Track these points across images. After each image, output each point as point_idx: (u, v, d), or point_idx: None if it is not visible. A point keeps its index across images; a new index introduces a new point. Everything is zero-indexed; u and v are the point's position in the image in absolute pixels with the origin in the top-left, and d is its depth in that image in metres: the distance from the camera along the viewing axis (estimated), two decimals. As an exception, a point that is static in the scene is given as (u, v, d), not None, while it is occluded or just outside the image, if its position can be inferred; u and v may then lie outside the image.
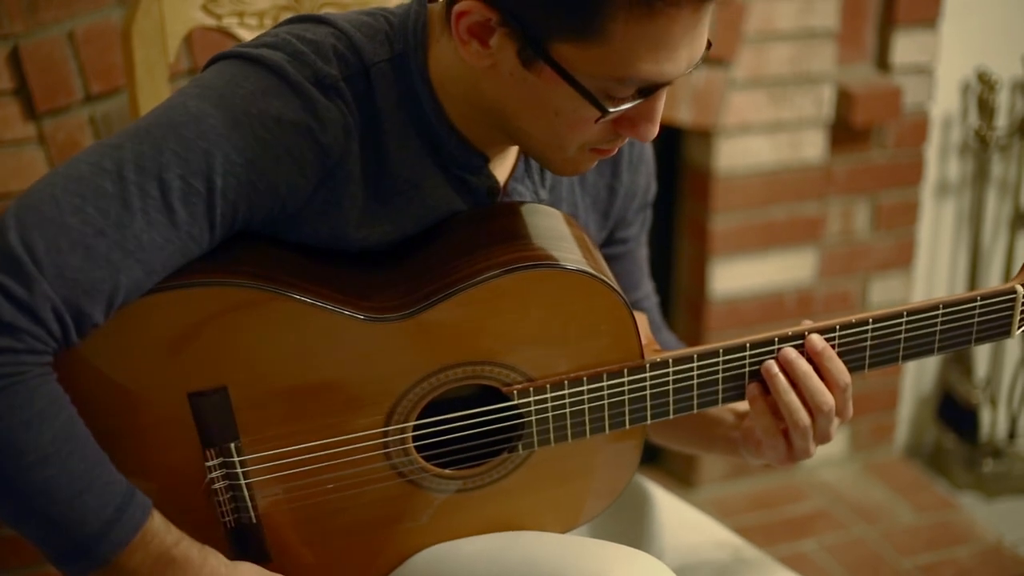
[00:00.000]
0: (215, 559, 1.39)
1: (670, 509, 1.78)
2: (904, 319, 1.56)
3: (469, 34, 1.34)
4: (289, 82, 1.37)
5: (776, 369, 1.52)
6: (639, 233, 1.79)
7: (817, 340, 1.52)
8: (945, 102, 3.32)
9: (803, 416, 1.52)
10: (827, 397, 1.52)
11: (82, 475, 1.28)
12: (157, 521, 1.34)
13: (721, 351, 1.52)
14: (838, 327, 1.54)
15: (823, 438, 1.55)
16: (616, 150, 1.45)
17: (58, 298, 1.25)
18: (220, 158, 1.33)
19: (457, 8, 1.32)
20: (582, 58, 1.30)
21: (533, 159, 1.49)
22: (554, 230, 1.51)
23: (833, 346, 1.54)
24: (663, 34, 1.28)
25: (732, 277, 3.16)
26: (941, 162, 3.39)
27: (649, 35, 1.28)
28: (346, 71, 1.41)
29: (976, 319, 1.59)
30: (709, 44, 1.37)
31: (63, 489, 1.27)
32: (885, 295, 3.37)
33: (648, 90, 1.34)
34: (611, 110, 1.33)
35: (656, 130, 1.39)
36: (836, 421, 1.54)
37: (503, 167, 1.55)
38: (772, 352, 1.53)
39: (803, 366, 1.51)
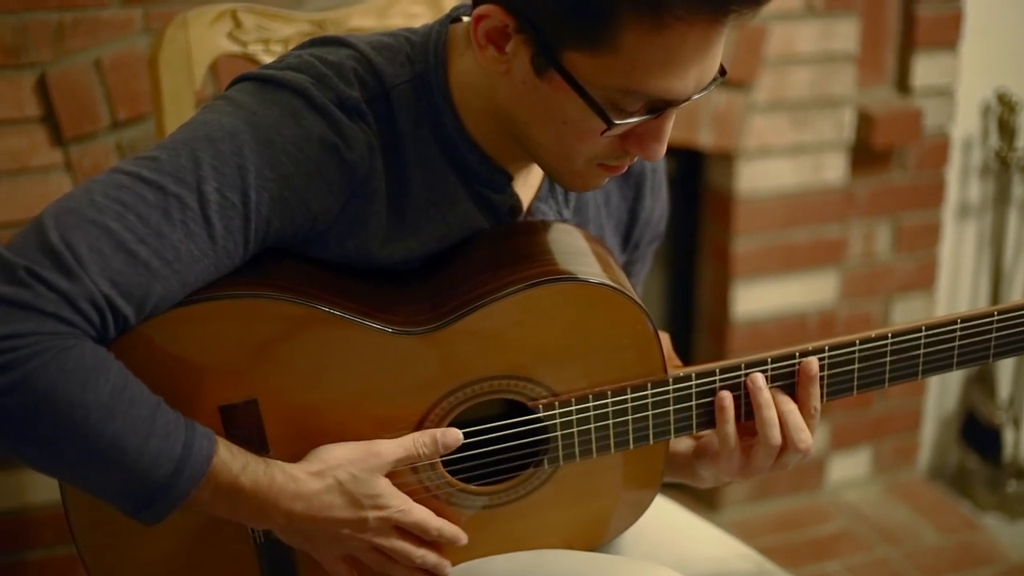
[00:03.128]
0: (282, 476, 1.38)
1: (692, 527, 1.78)
2: (923, 333, 1.57)
3: (487, 39, 1.36)
4: (314, 104, 1.39)
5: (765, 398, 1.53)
6: (639, 271, 1.80)
7: (813, 364, 1.53)
8: (965, 124, 3.32)
9: (777, 435, 1.52)
10: (805, 435, 1.52)
11: (144, 420, 1.29)
12: (222, 450, 1.35)
13: (743, 365, 1.53)
14: (857, 342, 1.55)
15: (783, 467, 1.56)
16: (625, 168, 1.45)
17: (99, 294, 1.27)
18: (254, 173, 1.35)
19: (477, 12, 1.34)
20: (592, 67, 1.31)
21: (545, 171, 1.50)
22: (576, 246, 1.52)
23: (852, 360, 1.54)
24: (673, 50, 1.29)
25: (754, 299, 3.16)
26: (962, 184, 3.39)
27: (659, 50, 1.28)
28: (367, 94, 1.42)
29: (994, 334, 1.59)
30: (723, 71, 1.37)
31: (131, 438, 1.28)
32: (907, 316, 3.37)
33: (656, 108, 1.35)
34: (617, 123, 1.34)
35: (663, 150, 1.40)
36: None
37: (527, 187, 1.56)
38: (793, 365, 1.53)
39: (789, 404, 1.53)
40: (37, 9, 2.10)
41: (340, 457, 1.41)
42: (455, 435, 1.45)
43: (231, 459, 1.35)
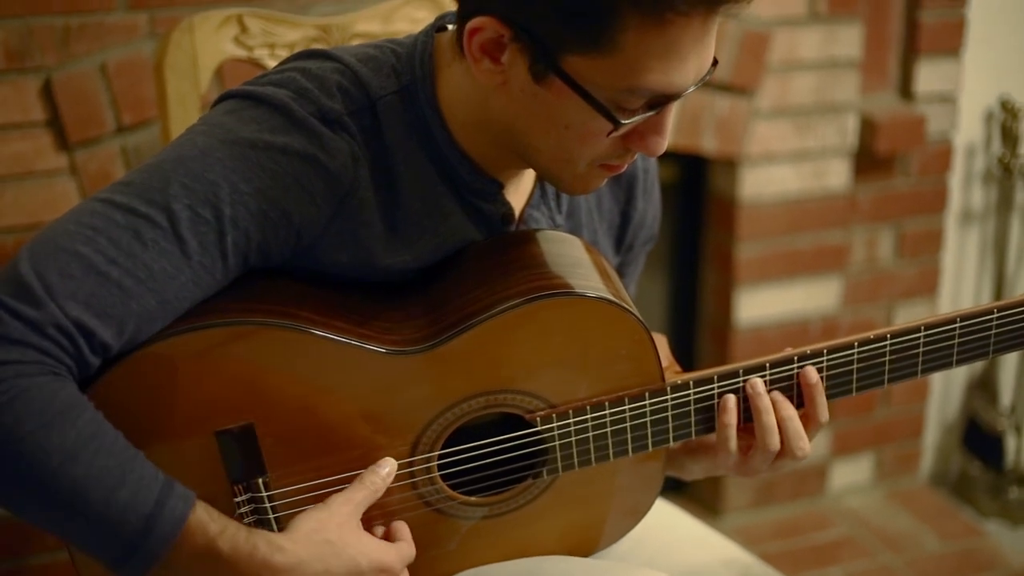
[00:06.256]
0: (265, 545, 1.34)
1: (693, 533, 1.79)
2: (922, 333, 1.57)
3: (481, 51, 1.35)
4: (293, 119, 1.39)
5: (767, 402, 1.53)
6: (632, 273, 1.80)
7: (811, 373, 1.54)
8: (969, 130, 3.32)
9: (775, 441, 1.53)
10: (804, 443, 1.53)
11: (112, 471, 1.27)
12: (200, 512, 1.32)
13: (741, 371, 1.53)
14: (856, 344, 1.55)
15: (777, 469, 1.57)
16: (625, 166, 1.46)
17: (67, 319, 1.27)
18: (227, 188, 1.35)
19: (470, 25, 1.34)
20: (593, 69, 1.31)
21: (544, 178, 1.50)
22: (570, 256, 1.52)
23: (852, 361, 1.54)
24: (673, 44, 1.30)
25: (757, 305, 3.17)
26: (965, 190, 3.39)
27: (659, 45, 1.29)
28: (351, 106, 1.42)
29: (993, 331, 1.59)
30: (715, 62, 1.38)
31: (95, 488, 1.26)
32: (910, 323, 3.37)
33: (658, 103, 1.35)
34: (624, 122, 1.34)
35: (665, 144, 1.40)
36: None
37: (518, 194, 1.56)
38: (791, 371, 1.54)
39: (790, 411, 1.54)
40: (42, 13, 2.11)
41: (319, 519, 1.40)
42: (388, 464, 1.45)
43: (208, 522, 1.32)
